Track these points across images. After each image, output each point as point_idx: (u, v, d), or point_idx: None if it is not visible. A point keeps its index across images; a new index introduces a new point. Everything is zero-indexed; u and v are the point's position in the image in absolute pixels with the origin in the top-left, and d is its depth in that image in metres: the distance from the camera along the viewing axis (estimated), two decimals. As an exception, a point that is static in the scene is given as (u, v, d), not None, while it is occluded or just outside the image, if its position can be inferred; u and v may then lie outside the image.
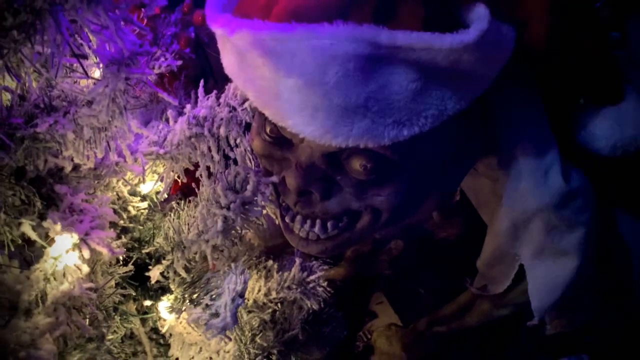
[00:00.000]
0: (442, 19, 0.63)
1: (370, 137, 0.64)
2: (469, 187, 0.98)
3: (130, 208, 0.89)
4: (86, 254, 0.66)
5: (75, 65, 0.62)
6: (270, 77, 0.64)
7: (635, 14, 0.83)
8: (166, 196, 0.90)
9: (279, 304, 0.99)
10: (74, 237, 0.65)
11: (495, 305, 1.13)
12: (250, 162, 0.78)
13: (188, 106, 0.72)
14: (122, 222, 0.85)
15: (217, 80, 1.01)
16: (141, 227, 0.90)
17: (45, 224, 0.65)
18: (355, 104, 0.62)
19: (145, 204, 0.90)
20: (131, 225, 0.88)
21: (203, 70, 0.92)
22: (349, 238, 0.82)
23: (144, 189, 0.89)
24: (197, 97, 0.76)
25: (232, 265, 0.82)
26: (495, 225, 0.91)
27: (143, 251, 0.88)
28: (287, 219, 0.82)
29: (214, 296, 0.81)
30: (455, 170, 0.83)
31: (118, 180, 0.82)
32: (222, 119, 0.71)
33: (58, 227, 0.64)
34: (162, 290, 0.89)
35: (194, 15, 0.90)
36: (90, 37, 0.55)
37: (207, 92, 0.73)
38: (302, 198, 0.78)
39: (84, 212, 0.70)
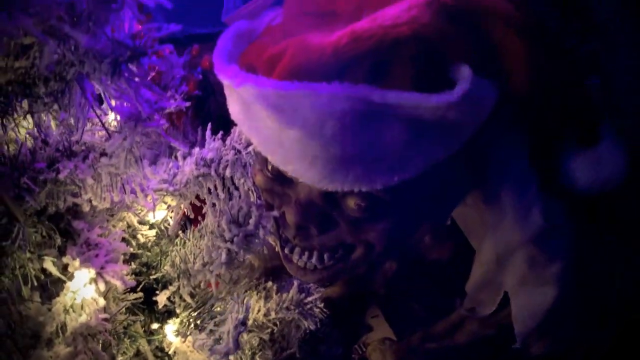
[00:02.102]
0: (430, 77, 0.68)
1: (364, 182, 0.70)
2: (458, 215, 1.04)
3: (139, 236, 0.95)
4: (102, 286, 0.72)
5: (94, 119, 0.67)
6: (273, 127, 0.70)
7: (616, 58, 0.89)
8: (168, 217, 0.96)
9: (277, 324, 1.05)
10: (91, 272, 0.71)
11: (483, 325, 1.19)
12: (253, 196, 0.84)
13: (196, 149, 0.78)
14: (131, 249, 0.91)
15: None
16: (149, 253, 0.96)
17: (65, 259, 0.71)
18: (351, 153, 0.68)
19: (153, 232, 0.96)
20: (139, 251, 0.94)
21: (207, 101, 0.97)
22: (343, 268, 0.87)
23: (152, 217, 0.95)
24: (203, 138, 0.83)
25: (235, 293, 0.88)
26: (482, 255, 0.97)
27: (151, 277, 0.93)
28: (286, 250, 0.88)
29: (217, 322, 0.86)
30: (445, 204, 0.89)
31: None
32: (227, 161, 0.77)
33: (77, 262, 0.70)
34: (169, 313, 0.95)
35: (203, 60, 0.96)
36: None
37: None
38: (301, 232, 0.84)
39: (98, 246, 0.76)
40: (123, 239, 0.88)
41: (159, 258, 0.96)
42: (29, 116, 0.63)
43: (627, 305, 1.03)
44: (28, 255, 0.67)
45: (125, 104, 0.62)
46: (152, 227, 0.96)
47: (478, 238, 1.02)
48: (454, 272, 1.22)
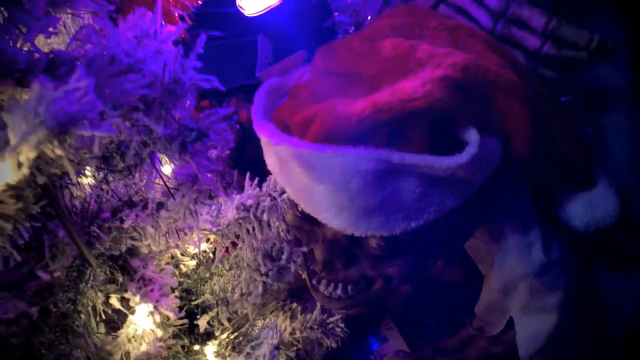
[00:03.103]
0: (442, 139, 0.79)
1: (385, 229, 0.81)
2: (467, 244, 1.15)
3: (181, 266, 1.06)
4: (157, 318, 0.83)
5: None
6: (306, 182, 0.81)
7: (607, 111, 0.99)
8: (211, 255, 1.08)
9: (302, 342, 1.16)
10: (150, 306, 0.82)
11: (491, 343, 1.29)
12: (285, 235, 0.96)
13: (237, 196, 0.90)
14: (175, 278, 1.02)
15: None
16: (189, 281, 1.08)
17: (126, 295, 0.82)
18: (373, 205, 0.79)
19: (193, 262, 1.08)
20: (181, 279, 1.06)
21: (243, 149, 1.08)
22: (365, 298, 0.98)
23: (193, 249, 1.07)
24: (239, 181, 0.94)
25: (268, 319, 0.99)
26: (490, 283, 1.08)
27: (192, 303, 1.05)
28: (314, 281, 0.99)
29: (254, 345, 0.98)
30: (456, 241, 1.00)
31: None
32: (265, 207, 0.88)
33: (137, 298, 0.82)
34: (208, 335, 1.06)
35: (240, 113, 1.07)
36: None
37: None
38: (327, 267, 0.95)
39: (152, 281, 0.88)
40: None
41: (198, 285, 1.07)
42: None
43: (623, 328, 1.13)
44: (98, 294, 0.78)
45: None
46: (193, 257, 1.08)
47: (486, 265, 1.12)
48: (464, 292, 1.32)
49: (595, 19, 0.92)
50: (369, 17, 0.98)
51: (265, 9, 0.94)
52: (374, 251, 0.91)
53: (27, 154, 0.49)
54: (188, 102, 0.68)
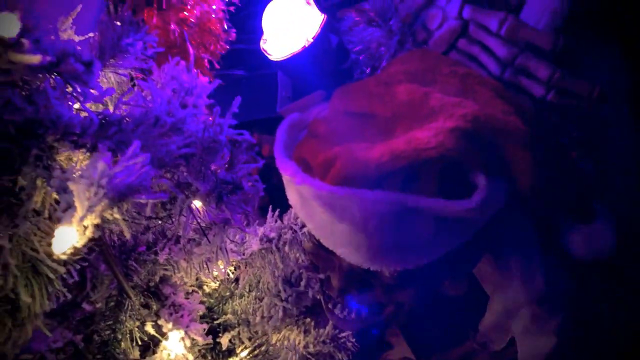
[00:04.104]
0: (452, 183, 0.86)
1: (399, 264, 0.88)
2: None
3: (205, 287, 1.13)
4: (188, 343, 0.91)
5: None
6: (326, 219, 0.88)
7: (606, 148, 1.05)
8: (231, 275, 1.15)
9: (315, 356, 1.23)
10: (181, 332, 0.89)
11: (493, 358, 1.37)
12: (304, 262, 1.03)
13: (261, 229, 0.96)
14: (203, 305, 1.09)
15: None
16: (212, 300, 1.15)
17: (160, 322, 0.89)
18: (388, 243, 0.86)
19: (215, 284, 1.15)
20: (204, 299, 1.13)
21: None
22: (377, 321, 1.05)
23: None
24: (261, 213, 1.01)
25: (286, 335, 1.06)
26: (493, 305, 1.15)
27: (215, 322, 1.12)
28: (329, 305, 1.06)
29: (273, 364, 1.05)
30: (463, 269, 1.07)
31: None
32: (286, 239, 0.95)
33: (170, 324, 0.89)
34: (229, 352, 1.14)
35: (263, 147, 1.13)
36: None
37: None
38: (343, 292, 1.02)
39: (182, 307, 0.95)
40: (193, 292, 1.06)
41: (220, 304, 1.14)
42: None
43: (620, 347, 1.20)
44: (136, 322, 0.86)
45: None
46: (215, 279, 1.15)
47: (491, 287, 1.20)
48: (468, 307, 1.40)
49: (598, 62, 0.98)
50: (384, 60, 1.05)
51: (289, 55, 1.01)
52: (387, 280, 0.98)
53: (92, 221, 0.56)
54: (223, 155, 0.74)
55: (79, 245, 0.57)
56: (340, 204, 0.85)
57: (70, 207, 0.59)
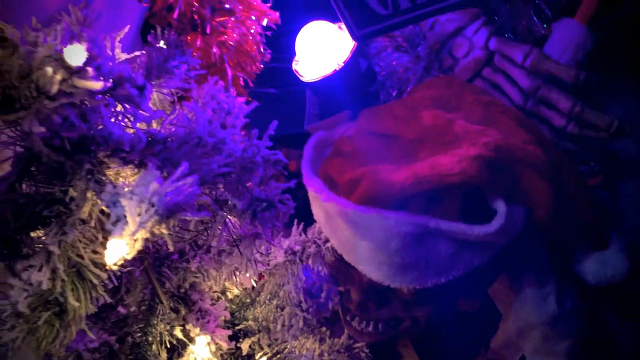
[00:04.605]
0: (473, 207, 0.90)
1: (418, 282, 0.92)
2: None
3: (228, 293, 1.18)
4: (213, 347, 0.95)
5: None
6: (349, 236, 0.92)
7: (623, 178, 1.09)
8: (254, 284, 1.19)
9: (329, 364, 1.27)
10: (207, 337, 0.94)
11: (503, 374, 1.40)
12: (324, 275, 1.07)
13: (286, 241, 1.01)
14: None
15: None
16: (233, 306, 1.19)
17: (188, 326, 0.94)
18: (409, 262, 0.90)
19: (238, 291, 1.19)
20: (227, 304, 1.18)
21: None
22: (393, 335, 1.09)
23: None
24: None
25: (301, 342, 1.11)
26: (506, 324, 1.18)
27: (236, 327, 1.16)
28: (347, 317, 1.10)
29: (291, 370, 1.09)
30: (479, 289, 1.11)
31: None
32: (310, 253, 1.00)
33: (197, 329, 0.93)
34: (249, 357, 1.18)
35: (290, 163, 1.17)
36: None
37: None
38: (361, 306, 1.06)
39: (208, 313, 0.99)
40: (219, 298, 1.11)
41: (241, 310, 1.19)
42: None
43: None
44: (167, 326, 0.90)
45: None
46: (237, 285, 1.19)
47: (504, 306, 1.23)
48: (480, 323, 1.43)
49: (617, 97, 1.01)
50: (411, 84, 1.09)
51: (320, 77, 1.05)
52: (405, 296, 1.02)
53: (142, 235, 0.61)
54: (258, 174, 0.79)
55: (129, 257, 0.62)
56: (364, 223, 0.89)
57: (119, 220, 0.64)
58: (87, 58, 0.58)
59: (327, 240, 1.00)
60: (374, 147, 1.02)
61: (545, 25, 1.00)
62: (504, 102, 1.01)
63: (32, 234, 0.78)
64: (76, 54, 0.57)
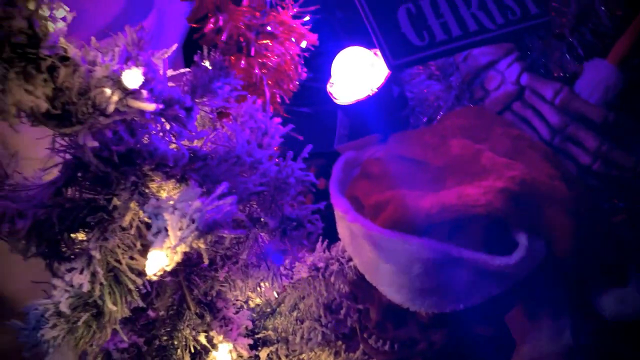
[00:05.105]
0: (495, 238, 0.92)
1: (437, 307, 0.94)
2: (504, 313, 1.27)
3: (250, 302, 1.22)
4: (234, 355, 0.99)
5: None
6: (372, 257, 0.95)
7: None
8: (276, 295, 1.23)
9: (343, 377, 1.30)
10: (230, 345, 0.97)
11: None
12: (345, 292, 1.10)
13: (310, 257, 1.04)
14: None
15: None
16: (254, 315, 1.23)
17: (211, 333, 0.98)
18: (429, 287, 0.92)
19: (259, 300, 1.23)
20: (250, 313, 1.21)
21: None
22: (408, 355, 1.12)
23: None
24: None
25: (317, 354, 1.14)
26: (521, 352, 1.20)
27: (255, 336, 1.20)
28: (365, 334, 1.13)
29: (307, 382, 1.12)
30: (496, 317, 1.12)
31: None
32: (333, 271, 1.03)
33: (220, 337, 0.97)
34: (266, 366, 1.21)
35: (319, 183, 1.21)
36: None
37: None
38: (379, 325, 1.08)
39: (232, 321, 1.03)
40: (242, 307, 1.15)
41: (261, 319, 1.23)
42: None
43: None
44: (193, 331, 0.94)
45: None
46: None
47: (519, 333, 1.24)
48: (495, 348, 1.44)
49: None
50: (441, 112, 1.12)
51: (353, 101, 1.09)
52: (423, 319, 1.04)
53: (181, 249, 0.65)
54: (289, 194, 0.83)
55: (168, 269, 0.66)
56: (388, 246, 0.92)
57: (160, 232, 0.68)
58: (142, 82, 0.63)
59: (350, 259, 1.03)
60: (402, 171, 1.05)
61: (577, 63, 1.02)
62: (532, 136, 1.04)
63: (72, 235, 0.83)
64: (133, 77, 0.62)
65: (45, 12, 0.60)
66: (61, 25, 0.61)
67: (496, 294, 0.96)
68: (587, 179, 1.03)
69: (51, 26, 0.61)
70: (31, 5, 0.59)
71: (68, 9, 0.63)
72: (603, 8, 1.02)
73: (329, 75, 1.24)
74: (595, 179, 1.02)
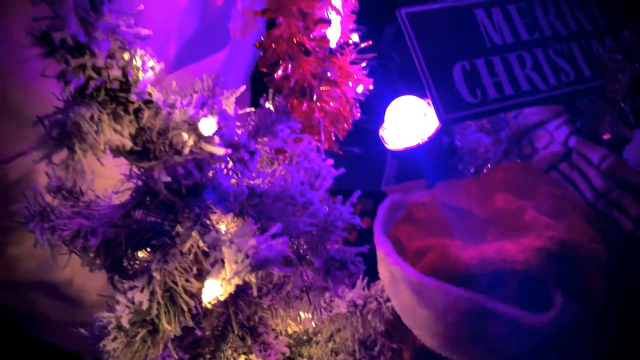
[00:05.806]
0: (532, 294, 0.95)
1: (468, 356, 0.97)
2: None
3: (288, 329, 1.27)
4: (270, 380, 1.04)
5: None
6: (410, 301, 0.99)
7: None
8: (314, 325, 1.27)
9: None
10: (268, 370, 1.03)
11: None
12: (381, 330, 1.14)
13: (350, 293, 1.09)
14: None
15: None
16: (291, 341, 1.28)
17: (251, 356, 1.04)
18: (462, 336, 0.95)
19: (297, 328, 1.28)
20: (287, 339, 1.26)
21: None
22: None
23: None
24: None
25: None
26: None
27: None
28: (396, 372, 1.17)
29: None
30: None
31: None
32: (370, 310, 1.07)
33: (259, 361, 1.03)
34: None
35: (364, 220, 1.26)
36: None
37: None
38: (412, 366, 1.12)
39: (270, 346, 1.09)
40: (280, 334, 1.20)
41: (296, 345, 1.28)
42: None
43: None
44: (233, 353, 1.00)
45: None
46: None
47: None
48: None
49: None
50: (489, 164, 1.16)
51: (403, 148, 1.14)
52: (454, 364, 1.07)
53: (235, 281, 0.71)
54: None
55: (222, 298, 0.72)
56: (426, 292, 0.96)
57: (217, 262, 0.75)
58: (216, 130, 0.70)
59: (388, 299, 1.08)
60: (446, 218, 1.09)
61: (627, 129, 1.04)
62: (576, 197, 1.06)
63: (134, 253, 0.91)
64: (209, 126, 0.69)
65: (138, 62, 0.68)
66: (150, 74, 0.69)
67: (528, 350, 0.98)
68: (629, 242, 1.04)
69: (142, 74, 0.69)
70: (126, 56, 0.67)
71: (156, 59, 0.71)
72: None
73: (381, 118, 1.30)
74: (637, 243, 1.03)
